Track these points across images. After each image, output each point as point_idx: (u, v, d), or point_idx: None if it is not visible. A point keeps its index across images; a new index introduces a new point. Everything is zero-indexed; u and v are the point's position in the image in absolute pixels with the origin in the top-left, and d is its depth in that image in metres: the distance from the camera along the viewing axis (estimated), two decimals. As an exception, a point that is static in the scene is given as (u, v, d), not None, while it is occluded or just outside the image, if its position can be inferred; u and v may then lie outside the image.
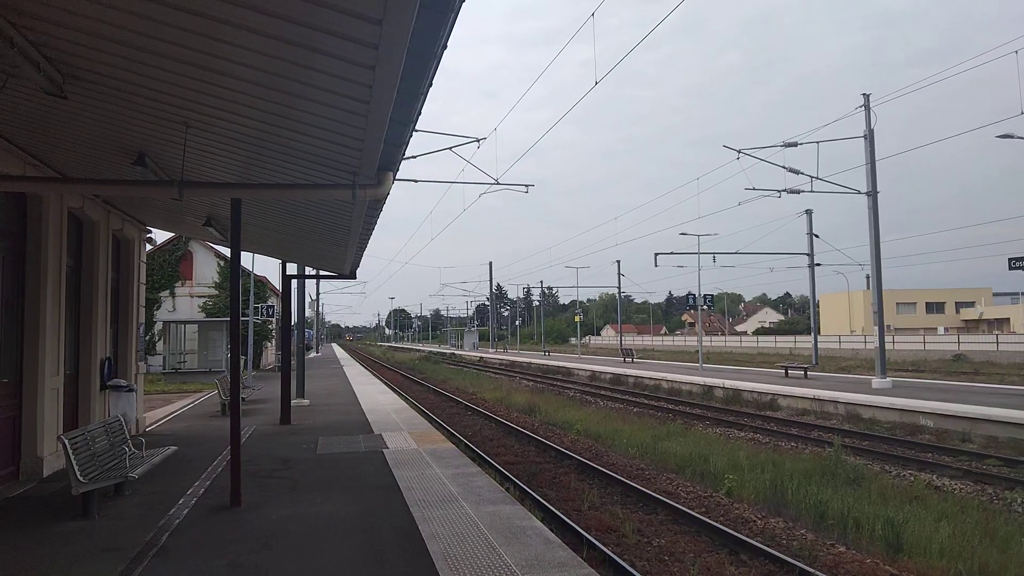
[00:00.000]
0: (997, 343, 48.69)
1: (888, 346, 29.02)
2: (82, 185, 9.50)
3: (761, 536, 8.48)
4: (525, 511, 7.42)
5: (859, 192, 23.70)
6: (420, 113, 5.80)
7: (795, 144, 23.48)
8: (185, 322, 32.95)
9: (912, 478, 11.97)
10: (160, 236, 35.52)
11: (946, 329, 70.54)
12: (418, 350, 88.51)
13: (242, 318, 16.37)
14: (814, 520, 9.10)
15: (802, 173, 24.09)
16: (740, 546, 7.93)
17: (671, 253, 36.16)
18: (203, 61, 4.70)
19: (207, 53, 4.55)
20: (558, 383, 33.45)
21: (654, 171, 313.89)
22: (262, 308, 27.61)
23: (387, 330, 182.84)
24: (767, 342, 73.62)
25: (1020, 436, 13.96)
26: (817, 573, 6.85)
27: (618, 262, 58.66)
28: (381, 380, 32.56)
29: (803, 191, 24.93)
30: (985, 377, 31.45)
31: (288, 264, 17.96)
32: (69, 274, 10.50)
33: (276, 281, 35.07)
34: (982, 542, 7.93)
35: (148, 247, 15.53)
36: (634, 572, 6.95)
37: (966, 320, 79.45)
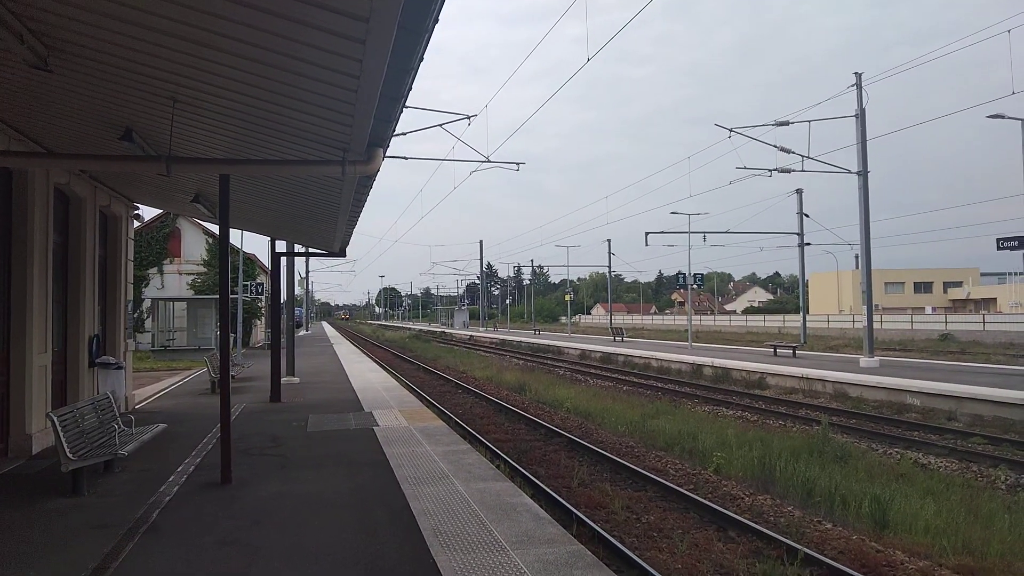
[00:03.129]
0: (984, 323, 49.17)
1: (876, 325, 29.22)
2: (68, 160, 9.37)
3: (749, 513, 8.57)
4: (515, 488, 7.46)
5: (850, 172, 23.74)
6: (411, 89, 5.73)
7: (787, 123, 23.45)
8: (174, 300, 32.84)
9: (899, 456, 12.11)
10: (148, 213, 35.30)
11: (934, 309, 70.99)
12: (408, 328, 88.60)
13: (231, 296, 16.27)
14: (801, 497, 9.20)
15: (793, 152, 24.10)
16: (728, 523, 8.01)
17: (661, 232, 36.32)
18: (191, 35, 4.61)
19: (195, 26, 4.46)
20: (548, 361, 33.57)
21: (646, 150, 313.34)
22: (251, 286, 27.51)
23: (377, 308, 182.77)
24: (756, 321, 74.03)
25: (1005, 415, 14.14)
26: (804, 549, 6.92)
27: (608, 241, 58.83)
28: (371, 358, 32.56)
29: (794, 170, 24.94)
30: (971, 356, 31.73)
31: (278, 241, 17.86)
32: (56, 250, 10.39)
33: (265, 259, 34.95)
34: (966, 519, 8.05)
35: (136, 224, 15.40)
36: (623, 548, 7.02)
37: (953, 300, 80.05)
